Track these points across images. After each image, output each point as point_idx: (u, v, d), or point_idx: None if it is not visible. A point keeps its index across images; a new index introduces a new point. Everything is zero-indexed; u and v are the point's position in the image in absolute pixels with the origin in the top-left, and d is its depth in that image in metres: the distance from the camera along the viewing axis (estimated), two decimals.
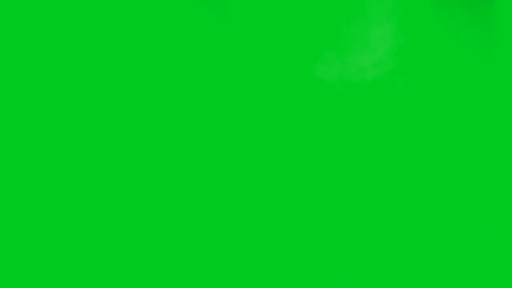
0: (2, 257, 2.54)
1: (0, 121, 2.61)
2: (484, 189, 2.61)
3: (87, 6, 2.67)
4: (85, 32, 2.66)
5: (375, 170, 2.61)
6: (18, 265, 2.54)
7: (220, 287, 2.57)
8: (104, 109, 2.64)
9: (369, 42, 2.65)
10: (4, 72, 2.63)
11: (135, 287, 2.55)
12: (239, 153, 2.63)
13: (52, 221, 2.57)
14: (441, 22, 2.67)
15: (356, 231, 2.59)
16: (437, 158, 2.62)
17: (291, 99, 2.64)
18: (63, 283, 2.54)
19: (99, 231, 2.58)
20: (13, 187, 2.58)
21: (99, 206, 2.59)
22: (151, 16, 2.68)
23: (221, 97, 2.66)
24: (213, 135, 2.64)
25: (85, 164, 2.61)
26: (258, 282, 2.57)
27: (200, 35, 2.68)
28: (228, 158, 2.63)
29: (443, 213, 2.60)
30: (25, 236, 2.56)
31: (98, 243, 2.57)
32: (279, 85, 2.65)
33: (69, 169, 2.60)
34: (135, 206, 2.60)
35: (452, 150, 2.63)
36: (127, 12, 2.68)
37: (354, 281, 2.57)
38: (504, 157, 2.62)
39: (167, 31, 2.68)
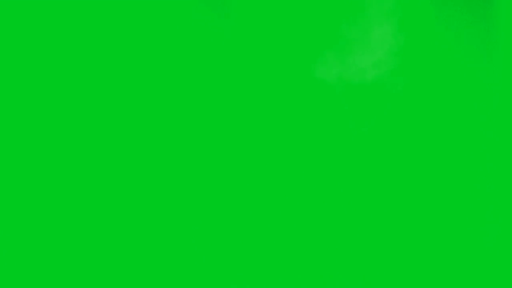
0: (2, 257, 2.56)
1: (0, 121, 2.62)
2: (484, 189, 2.61)
3: (87, 6, 2.67)
4: (85, 32, 2.66)
5: (375, 170, 2.62)
6: (18, 265, 2.55)
7: (220, 287, 2.58)
8: (104, 109, 2.64)
9: (369, 43, 2.65)
10: (4, 72, 2.63)
11: (135, 287, 2.57)
12: (238, 153, 2.64)
13: (52, 221, 2.58)
14: (441, 22, 2.66)
15: (356, 231, 2.60)
16: (437, 158, 2.62)
17: (291, 100, 2.65)
18: (63, 283, 2.56)
19: (99, 231, 2.58)
20: (13, 187, 2.58)
21: (99, 206, 2.60)
22: (151, 16, 2.68)
23: (221, 97, 2.66)
24: (213, 135, 2.65)
25: (85, 163, 2.61)
26: (258, 282, 2.59)
27: (200, 35, 2.68)
28: (228, 158, 2.64)
29: (443, 213, 2.60)
30: (25, 236, 2.57)
31: (98, 243, 2.58)
32: (279, 85, 2.66)
33: (69, 169, 2.61)
34: (135, 205, 2.61)
35: (452, 150, 2.63)
36: (127, 12, 2.67)
37: (354, 281, 2.58)
38: (504, 157, 2.63)
39: (167, 31, 2.68)
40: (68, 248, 2.57)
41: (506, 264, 2.58)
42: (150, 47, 2.67)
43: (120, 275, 2.57)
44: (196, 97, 2.66)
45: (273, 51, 2.67)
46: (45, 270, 2.56)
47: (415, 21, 2.66)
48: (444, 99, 2.64)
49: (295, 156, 2.63)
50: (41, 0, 2.66)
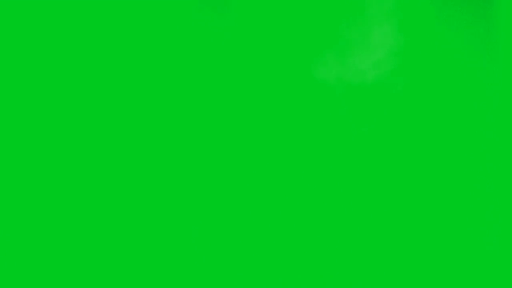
0: (2, 257, 2.57)
1: (0, 121, 2.62)
2: (484, 189, 2.62)
3: (87, 6, 2.66)
4: (86, 32, 2.66)
5: (375, 171, 2.63)
6: (18, 265, 2.57)
7: (220, 287, 2.60)
8: (104, 109, 2.64)
9: (369, 43, 2.65)
10: (4, 72, 2.64)
11: (135, 287, 2.58)
12: (238, 154, 2.65)
13: (52, 221, 2.59)
14: (441, 23, 2.66)
15: (356, 231, 2.61)
16: (438, 158, 2.63)
17: (291, 100, 2.65)
18: (63, 283, 2.57)
19: (99, 231, 2.60)
20: (13, 187, 2.59)
21: (99, 206, 2.61)
22: (151, 16, 2.67)
23: (220, 97, 2.66)
24: (212, 135, 2.65)
25: (84, 163, 2.62)
26: (258, 282, 2.60)
27: (200, 35, 2.67)
28: (227, 159, 2.64)
29: (443, 213, 2.61)
30: (25, 236, 2.58)
31: (98, 243, 2.59)
32: (278, 86, 2.66)
33: (68, 168, 2.62)
34: (135, 205, 2.62)
35: (453, 150, 2.63)
36: (127, 12, 2.67)
37: (354, 281, 2.60)
38: (504, 157, 2.63)
39: (167, 31, 2.68)
40: (68, 248, 2.58)
41: (506, 264, 2.59)
42: (150, 47, 2.67)
43: (120, 275, 2.58)
44: (196, 98, 2.66)
45: (273, 51, 2.66)
46: (45, 270, 2.57)
47: (415, 21, 2.66)
48: (444, 100, 2.64)
49: (295, 157, 2.64)
50: (42, 0, 2.66)
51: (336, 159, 2.63)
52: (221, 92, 2.66)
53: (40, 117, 2.63)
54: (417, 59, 2.65)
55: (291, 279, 2.60)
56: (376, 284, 2.59)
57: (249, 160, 2.64)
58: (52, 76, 2.64)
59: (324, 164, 2.63)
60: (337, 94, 2.64)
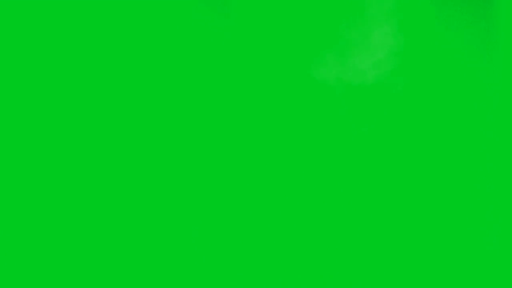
0: (2, 257, 2.58)
1: (0, 121, 2.63)
2: (484, 189, 2.62)
3: (87, 6, 2.66)
4: (86, 32, 2.66)
5: (375, 171, 2.63)
6: (18, 265, 2.58)
7: (220, 287, 2.61)
8: (104, 109, 2.65)
9: (369, 44, 2.65)
10: (4, 72, 2.64)
11: (135, 287, 2.59)
12: (237, 154, 2.65)
13: (52, 221, 2.59)
14: (441, 23, 2.66)
15: (356, 232, 2.62)
16: (438, 159, 2.63)
17: (290, 101, 2.65)
18: (63, 283, 2.58)
19: (99, 231, 2.60)
20: (13, 187, 2.60)
21: (99, 206, 2.61)
22: (151, 16, 2.67)
23: (220, 97, 2.66)
24: (212, 135, 2.65)
25: (85, 163, 2.62)
26: (258, 282, 2.61)
27: (200, 35, 2.67)
28: (226, 159, 2.65)
29: (443, 213, 2.61)
30: (25, 236, 2.59)
31: (98, 243, 2.60)
32: (278, 86, 2.66)
33: (68, 169, 2.62)
34: (135, 205, 2.62)
35: (453, 150, 2.64)
36: (127, 12, 2.67)
37: (354, 281, 2.61)
38: (504, 158, 2.63)
39: (167, 31, 2.67)
40: (68, 248, 2.59)
41: (506, 264, 2.60)
42: (150, 47, 2.67)
43: (120, 275, 2.59)
44: (195, 98, 2.66)
45: (272, 52, 2.66)
46: (45, 270, 2.58)
47: (415, 22, 2.66)
48: (444, 100, 2.65)
49: (295, 157, 2.64)
50: (42, 0, 2.65)
51: (336, 160, 2.63)
52: (221, 93, 2.66)
53: (40, 117, 2.63)
54: (417, 59, 2.65)
55: (291, 279, 2.61)
56: (376, 284, 2.60)
57: (248, 160, 2.64)
58: (52, 76, 2.64)
59: (324, 165, 2.63)
60: (337, 95, 2.65)
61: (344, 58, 2.65)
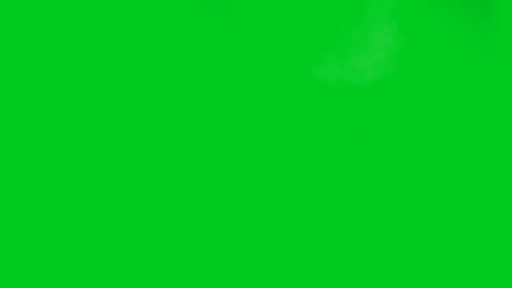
0: (2, 257, 2.59)
1: (0, 121, 2.63)
2: (484, 190, 2.62)
3: (87, 6, 2.66)
4: (85, 32, 2.66)
5: (375, 172, 2.63)
6: (18, 265, 2.58)
7: (220, 287, 2.61)
8: (104, 109, 2.65)
9: (369, 44, 2.64)
10: (4, 72, 2.64)
11: (135, 287, 2.60)
12: (237, 154, 2.65)
13: (52, 221, 2.60)
14: (441, 23, 2.65)
15: (356, 232, 2.62)
16: (438, 159, 2.63)
17: (290, 101, 2.65)
18: (63, 283, 2.59)
19: (99, 231, 2.61)
20: (13, 187, 2.60)
21: (99, 206, 2.62)
22: (151, 16, 2.67)
23: (220, 97, 2.67)
24: (211, 135, 2.66)
25: (85, 163, 2.63)
26: (258, 282, 2.62)
27: (200, 35, 2.67)
28: (226, 159, 2.65)
29: (443, 213, 2.61)
30: (25, 236, 2.59)
31: (98, 243, 2.61)
32: (278, 86, 2.66)
33: (69, 169, 2.63)
34: (135, 206, 2.63)
35: (453, 151, 2.64)
36: (127, 12, 2.67)
37: (354, 281, 2.61)
38: (504, 158, 2.64)
39: (167, 31, 2.68)
40: (68, 248, 2.60)
41: (506, 264, 2.60)
42: (150, 47, 2.67)
43: (120, 275, 2.60)
44: (195, 98, 2.66)
45: (272, 52, 2.66)
46: (45, 270, 2.59)
47: (414, 22, 2.66)
48: (444, 100, 2.65)
49: (295, 158, 2.64)
50: (42, 0, 2.65)
51: (336, 160, 2.64)
52: (221, 93, 2.66)
53: (40, 116, 2.63)
54: (417, 60, 2.65)
55: (291, 279, 2.62)
56: (376, 284, 2.61)
57: (248, 161, 2.65)
58: (51, 76, 2.65)
59: (324, 165, 2.64)
60: (337, 95, 2.65)
61: (344, 58, 2.65)
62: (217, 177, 2.64)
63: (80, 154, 2.63)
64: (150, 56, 2.67)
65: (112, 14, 2.66)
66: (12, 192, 2.60)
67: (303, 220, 2.62)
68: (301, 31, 2.66)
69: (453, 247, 2.61)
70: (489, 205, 2.62)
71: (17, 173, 2.61)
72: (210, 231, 2.63)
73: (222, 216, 2.63)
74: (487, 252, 2.61)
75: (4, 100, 2.63)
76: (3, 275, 2.57)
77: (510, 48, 2.66)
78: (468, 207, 2.62)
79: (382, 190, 2.62)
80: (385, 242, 2.61)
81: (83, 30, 2.66)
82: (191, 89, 2.67)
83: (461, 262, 2.60)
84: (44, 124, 2.63)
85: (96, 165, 2.63)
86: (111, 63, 2.66)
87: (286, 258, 2.61)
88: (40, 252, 2.58)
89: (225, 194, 2.63)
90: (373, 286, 2.60)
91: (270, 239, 2.62)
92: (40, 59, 2.65)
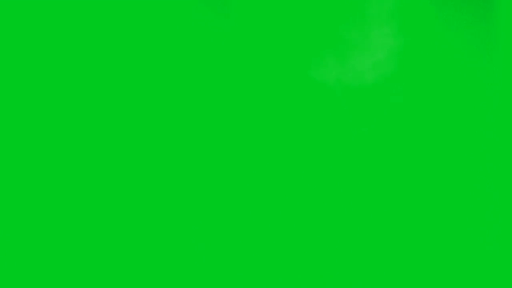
0: (2, 257, 2.59)
1: (0, 121, 2.64)
2: (484, 190, 2.62)
3: (87, 6, 2.66)
4: (85, 32, 2.66)
5: (375, 173, 2.64)
6: (18, 265, 2.59)
7: (220, 287, 2.62)
8: (104, 109, 2.65)
9: (368, 45, 2.64)
10: (4, 72, 2.64)
11: (135, 287, 2.61)
12: (237, 155, 2.65)
13: (52, 221, 2.61)
14: (441, 24, 2.65)
15: (355, 233, 2.62)
16: (438, 160, 2.63)
17: (290, 102, 2.65)
18: (63, 283, 2.59)
19: (99, 231, 2.61)
20: (13, 187, 2.61)
21: (99, 206, 2.62)
22: (151, 16, 2.67)
23: (219, 98, 2.67)
24: (211, 136, 2.66)
25: (84, 163, 2.63)
26: (258, 282, 2.62)
27: (199, 35, 2.67)
28: (226, 159, 2.65)
29: (443, 214, 2.62)
30: (25, 236, 2.60)
31: (98, 243, 2.61)
32: (277, 87, 2.66)
33: (69, 169, 2.63)
34: (135, 206, 2.63)
35: (453, 151, 2.64)
36: (127, 12, 2.67)
37: (354, 281, 2.62)
38: (504, 159, 2.64)
39: (167, 31, 2.67)
40: (68, 248, 2.60)
41: (506, 264, 2.60)
42: (150, 47, 2.67)
43: (120, 275, 2.61)
44: (195, 99, 2.66)
45: (272, 52, 2.66)
46: (45, 270, 2.59)
47: (414, 23, 2.65)
48: (444, 101, 2.64)
49: (294, 159, 2.64)
50: (42, 0, 2.65)
51: (336, 161, 2.64)
52: (220, 93, 2.67)
53: (40, 116, 2.64)
54: (417, 60, 2.65)
55: (291, 279, 2.62)
56: (376, 284, 2.61)
57: (248, 161, 2.65)
58: (51, 76, 2.65)
59: (323, 166, 2.64)
60: (337, 96, 2.65)
61: (344, 59, 2.65)
62: (216, 177, 2.64)
63: (80, 153, 2.63)
64: (150, 56, 2.67)
65: (112, 14, 2.66)
66: (12, 192, 2.60)
67: (303, 220, 2.63)
68: (301, 31, 2.66)
69: (453, 247, 2.61)
70: (489, 205, 2.63)
71: (17, 173, 2.61)
72: (210, 231, 2.63)
73: (222, 216, 2.64)
74: (487, 252, 2.61)
75: (4, 100, 2.63)
76: (3, 275, 2.58)
77: (510, 49, 2.65)
78: (468, 207, 2.62)
79: (382, 190, 2.63)
80: (385, 242, 2.62)
81: (83, 30, 2.66)
82: (190, 89, 2.67)
83: (461, 262, 2.61)
84: (44, 124, 2.63)
85: (96, 165, 2.63)
86: (111, 63, 2.66)
87: (286, 258, 2.62)
88: (40, 252, 2.59)
89: (225, 194, 2.64)
90: (373, 286, 2.61)
91: (270, 239, 2.62)
92: (40, 59, 2.65)
